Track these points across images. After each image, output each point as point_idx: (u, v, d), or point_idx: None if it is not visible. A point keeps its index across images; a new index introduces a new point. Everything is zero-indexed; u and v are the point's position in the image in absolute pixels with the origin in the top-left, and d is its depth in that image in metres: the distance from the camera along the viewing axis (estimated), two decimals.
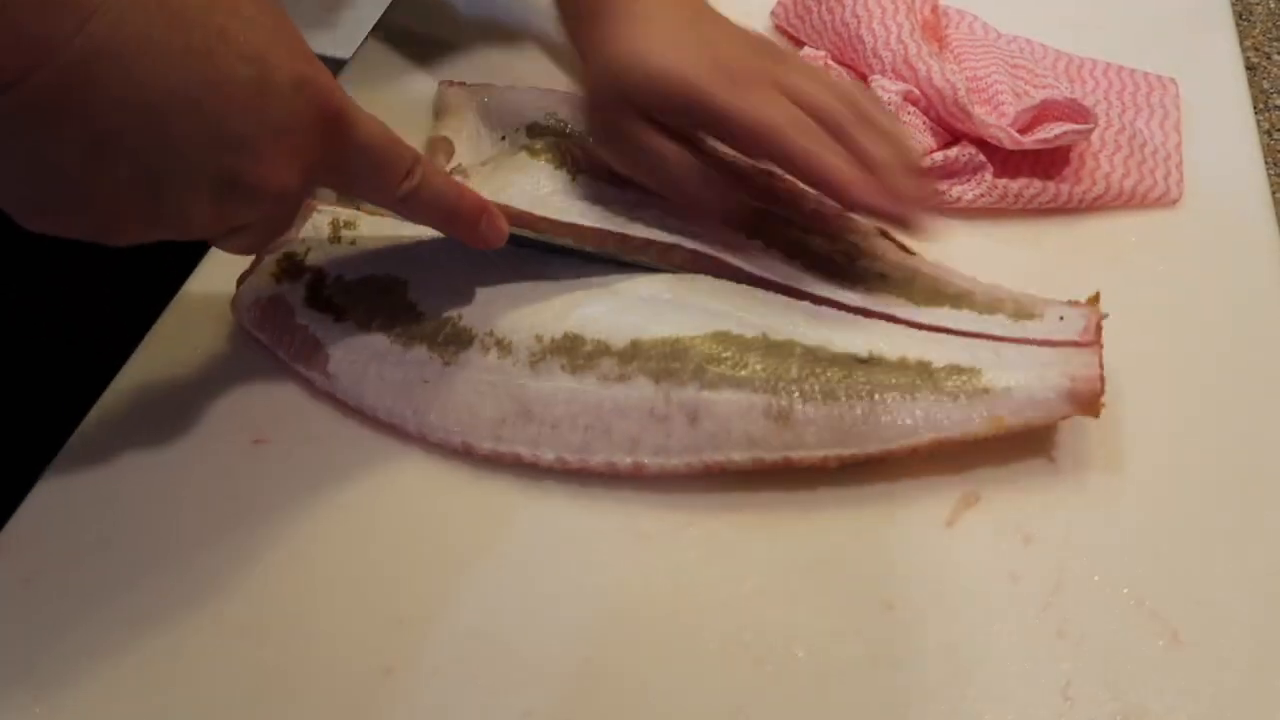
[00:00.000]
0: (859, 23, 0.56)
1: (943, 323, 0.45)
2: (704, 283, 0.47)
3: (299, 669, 0.38)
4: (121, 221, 0.35)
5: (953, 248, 0.51)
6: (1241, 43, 0.66)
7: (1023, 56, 0.58)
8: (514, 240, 0.45)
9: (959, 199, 0.53)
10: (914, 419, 0.42)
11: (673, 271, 0.48)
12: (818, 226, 0.49)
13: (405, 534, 0.42)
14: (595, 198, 0.49)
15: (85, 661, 0.39)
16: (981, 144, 0.53)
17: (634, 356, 0.43)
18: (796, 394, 0.42)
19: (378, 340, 0.45)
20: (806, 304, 0.46)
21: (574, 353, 0.44)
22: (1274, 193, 0.56)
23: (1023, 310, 0.46)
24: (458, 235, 0.43)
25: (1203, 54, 0.63)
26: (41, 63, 0.30)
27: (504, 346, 0.44)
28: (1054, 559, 0.41)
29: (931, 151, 0.53)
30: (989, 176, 0.52)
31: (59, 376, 0.50)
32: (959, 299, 0.46)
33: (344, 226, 0.49)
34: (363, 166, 0.39)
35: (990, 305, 0.46)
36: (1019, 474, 0.43)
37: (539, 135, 0.54)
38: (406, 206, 0.41)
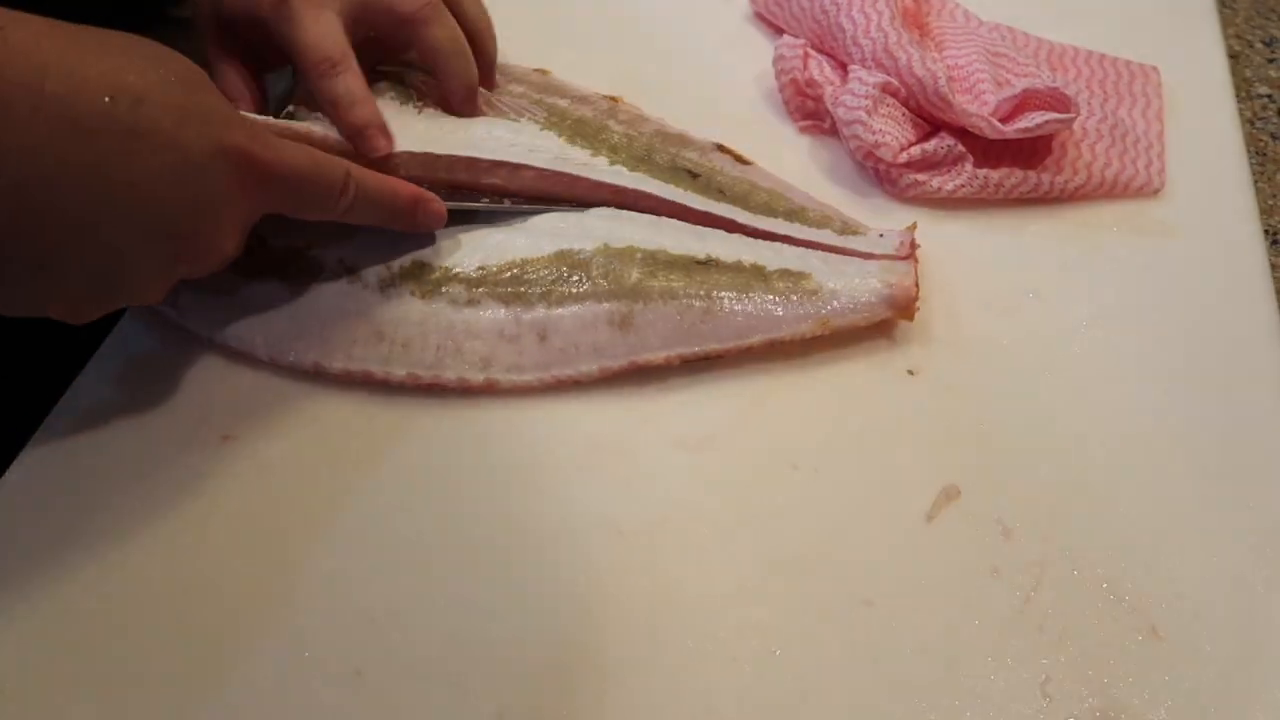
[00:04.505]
0: (839, 10, 0.55)
1: (776, 230, 0.49)
2: (545, 213, 0.49)
3: (268, 670, 0.38)
4: (84, 309, 0.38)
5: (933, 238, 0.50)
6: (1224, 30, 0.65)
7: (1004, 44, 0.57)
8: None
9: (939, 190, 0.52)
10: (748, 318, 0.45)
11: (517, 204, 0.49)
12: (658, 145, 0.52)
13: (374, 531, 0.41)
14: (442, 129, 0.50)
15: (49, 663, 0.38)
16: (962, 133, 0.52)
17: (481, 281, 0.46)
18: (637, 298, 0.45)
19: (226, 273, 0.44)
20: (647, 216, 0.49)
21: (422, 279, 0.45)
22: (1256, 181, 0.56)
23: (849, 228, 0.50)
24: (397, 228, 0.45)
25: (1185, 42, 0.63)
26: None
27: (354, 273, 0.46)
28: (1034, 554, 0.41)
29: (911, 144, 0.52)
30: (969, 166, 0.52)
31: (21, 373, 0.49)
32: (792, 214, 0.50)
33: None
34: (297, 197, 0.41)
35: (820, 221, 0.50)
36: (999, 468, 0.43)
37: (381, 76, 0.53)
38: (348, 217, 0.43)
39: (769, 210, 0.50)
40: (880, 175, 0.53)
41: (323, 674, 0.38)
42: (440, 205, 0.46)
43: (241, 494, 0.42)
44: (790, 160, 0.55)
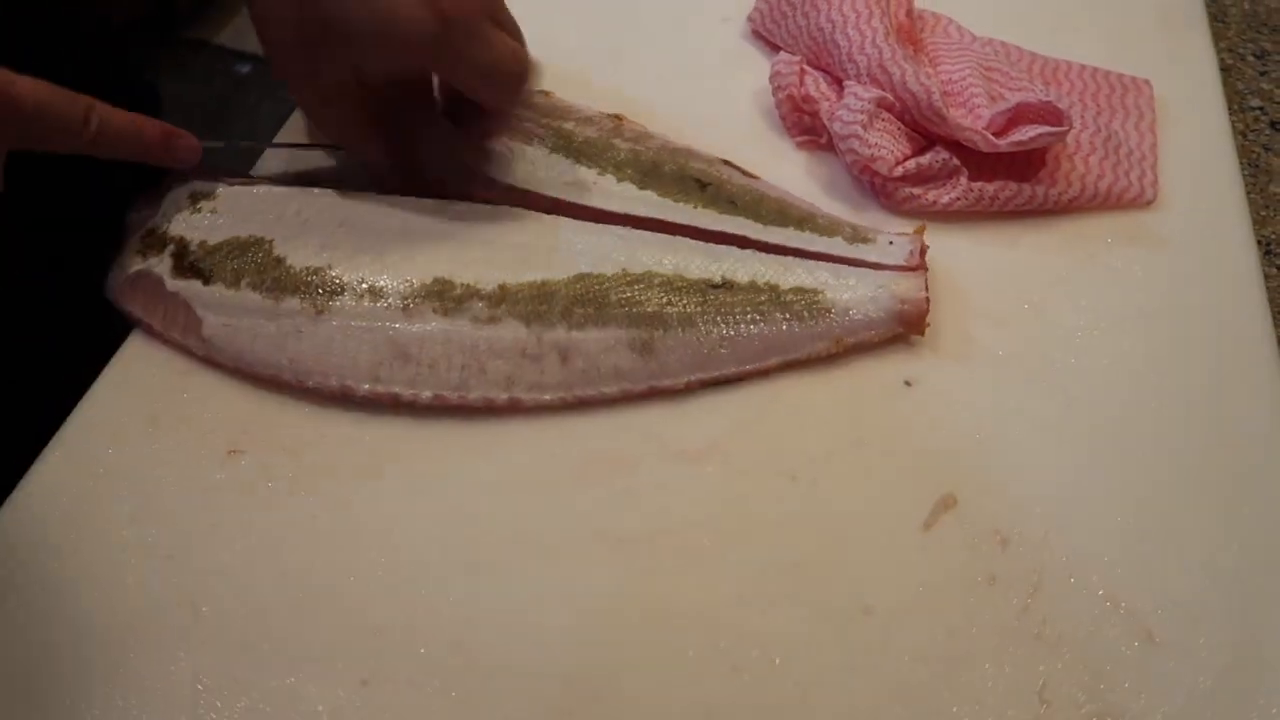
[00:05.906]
0: (834, 27, 0.56)
1: (788, 242, 0.49)
2: (564, 224, 0.49)
3: (273, 682, 0.38)
4: None
5: (929, 251, 0.51)
6: (1216, 44, 0.66)
7: (997, 59, 0.58)
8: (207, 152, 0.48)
9: (935, 203, 0.53)
10: (765, 341, 0.46)
11: (533, 215, 0.50)
12: (665, 157, 0.53)
13: (382, 543, 0.42)
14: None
15: (56, 675, 0.38)
16: (957, 147, 0.53)
17: (502, 300, 0.46)
18: (657, 326, 0.46)
19: (248, 297, 0.46)
20: (662, 235, 0.49)
21: (444, 296, 0.46)
22: (1248, 193, 0.57)
23: (858, 235, 0.50)
24: (154, 162, 0.46)
25: (1177, 55, 0.63)
26: None
27: (376, 293, 0.46)
28: (1031, 561, 0.41)
29: (906, 158, 0.53)
30: (964, 180, 0.53)
31: (32, 387, 0.50)
32: (802, 222, 0.51)
33: (202, 198, 0.50)
34: (39, 128, 0.41)
35: (829, 229, 0.50)
36: (995, 477, 0.44)
37: None
38: (97, 149, 0.43)
39: (781, 218, 0.50)
40: (876, 189, 0.54)
41: (329, 684, 0.38)
42: (193, 140, 0.47)
43: (247, 507, 0.43)
44: (788, 175, 0.55)
